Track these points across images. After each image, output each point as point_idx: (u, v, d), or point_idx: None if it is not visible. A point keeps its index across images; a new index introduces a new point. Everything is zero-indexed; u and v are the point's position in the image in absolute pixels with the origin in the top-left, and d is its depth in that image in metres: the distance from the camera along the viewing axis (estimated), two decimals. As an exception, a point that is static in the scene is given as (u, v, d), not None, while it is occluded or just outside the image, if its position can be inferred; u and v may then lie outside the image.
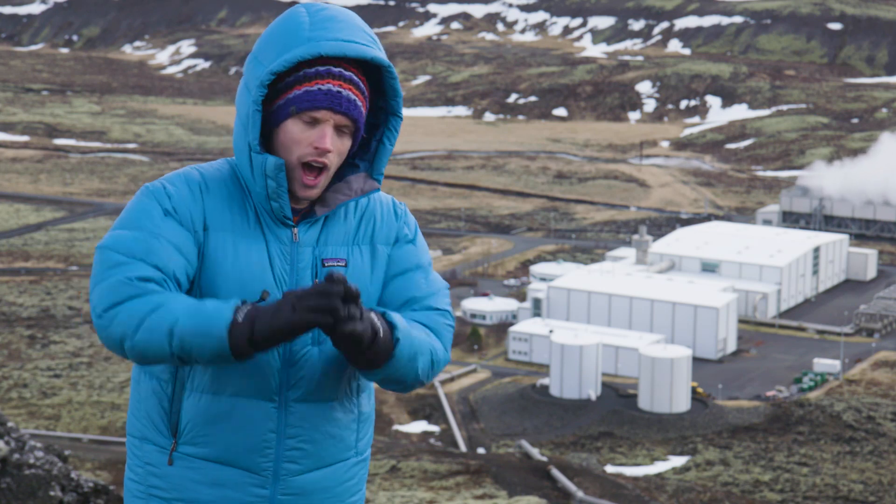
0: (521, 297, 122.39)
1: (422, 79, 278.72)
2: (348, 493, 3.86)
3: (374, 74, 3.73)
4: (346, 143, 3.68)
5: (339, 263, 3.75)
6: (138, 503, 3.77)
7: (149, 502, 3.75)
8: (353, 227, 3.81)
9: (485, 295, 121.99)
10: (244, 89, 3.68)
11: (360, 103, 3.64)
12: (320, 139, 3.61)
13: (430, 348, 3.71)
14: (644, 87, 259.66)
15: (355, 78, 3.64)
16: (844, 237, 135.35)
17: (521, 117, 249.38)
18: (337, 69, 3.62)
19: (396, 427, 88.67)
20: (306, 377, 3.70)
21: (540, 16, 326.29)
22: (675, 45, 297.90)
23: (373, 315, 3.52)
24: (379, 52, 3.64)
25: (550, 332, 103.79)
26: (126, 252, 3.53)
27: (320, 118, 3.61)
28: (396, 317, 3.60)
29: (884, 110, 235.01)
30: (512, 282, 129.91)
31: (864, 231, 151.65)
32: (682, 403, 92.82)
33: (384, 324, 3.55)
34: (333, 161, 3.66)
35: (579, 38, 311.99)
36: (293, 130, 3.63)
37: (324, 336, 3.69)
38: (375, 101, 3.77)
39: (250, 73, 3.66)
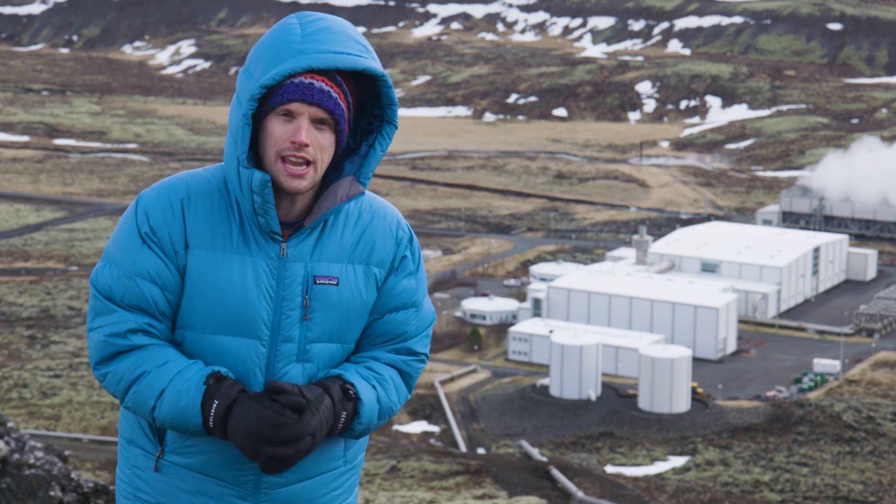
0: (521, 297, 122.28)
1: (422, 79, 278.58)
2: (334, 501, 3.88)
3: (371, 84, 3.73)
4: (327, 138, 3.65)
5: (332, 282, 3.74)
6: (126, 503, 3.84)
7: None
8: (351, 243, 3.79)
9: (485, 295, 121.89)
10: (236, 102, 3.69)
11: (335, 95, 3.61)
12: (296, 133, 3.59)
13: (389, 411, 3.80)
14: (644, 88, 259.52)
15: (331, 73, 3.63)
16: (844, 237, 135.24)
17: (521, 117, 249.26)
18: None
19: (396, 427, 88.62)
20: None
21: (540, 16, 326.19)
22: (675, 46, 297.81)
23: (331, 393, 3.65)
24: (372, 63, 3.62)
25: (550, 332, 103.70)
26: (108, 295, 3.68)
27: (294, 111, 3.60)
28: (363, 391, 3.72)
29: (884, 110, 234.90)
30: (512, 282, 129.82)
31: (864, 231, 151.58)
32: (682, 403, 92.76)
33: (345, 402, 3.68)
34: (316, 156, 3.64)
35: (579, 38, 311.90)
36: (271, 127, 3.63)
37: (309, 354, 3.75)
38: (372, 108, 3.77)
39: (242, 86, 3.67)
